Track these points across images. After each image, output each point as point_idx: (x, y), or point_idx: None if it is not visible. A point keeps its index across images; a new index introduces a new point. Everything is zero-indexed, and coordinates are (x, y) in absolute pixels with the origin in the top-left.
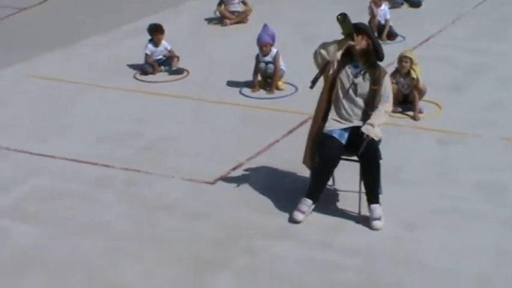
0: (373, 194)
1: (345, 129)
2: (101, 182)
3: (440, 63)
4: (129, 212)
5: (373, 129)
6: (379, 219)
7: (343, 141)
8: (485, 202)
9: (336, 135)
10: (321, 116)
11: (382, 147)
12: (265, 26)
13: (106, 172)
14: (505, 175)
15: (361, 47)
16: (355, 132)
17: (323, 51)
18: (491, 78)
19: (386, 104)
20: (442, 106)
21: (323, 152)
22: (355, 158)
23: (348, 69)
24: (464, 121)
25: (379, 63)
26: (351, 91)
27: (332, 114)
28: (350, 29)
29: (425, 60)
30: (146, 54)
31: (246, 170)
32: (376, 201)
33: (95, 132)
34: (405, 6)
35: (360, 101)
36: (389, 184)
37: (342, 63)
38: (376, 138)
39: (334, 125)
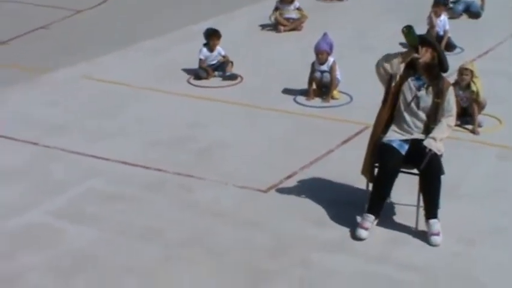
0: (432, 209)
1: (405, 141)
2: (154, 186)
3: (500, 76)
4: (182, 218)
5: (436, 143)
6: (437, 234)
7: (403, 152)
8: None
9: (395, 145)
10: (381, 127)
11: (443, 163)
12: (324, 34)
13: (159, 176)
14: None
15: (425, 60)
16: (415, 145)
17: (386, 64)
18: None
19: (449, 118)
20: (502, 121)
21: (383, 162)
22: (414, 170)
23: (411, 82)
24: None
25: (444, 74)
26: (413, 104)
27: (393, 126)
28: (415, 41)
29: (484, 73)
30: (200, 59)
31: (299, 179)
32: (435, 217)
33: (149, 135)
34: (464, 17)
35: (422, 115)
36: (447, 199)
37: (405, 76)
38: (438, 153)
39: (394, 136)
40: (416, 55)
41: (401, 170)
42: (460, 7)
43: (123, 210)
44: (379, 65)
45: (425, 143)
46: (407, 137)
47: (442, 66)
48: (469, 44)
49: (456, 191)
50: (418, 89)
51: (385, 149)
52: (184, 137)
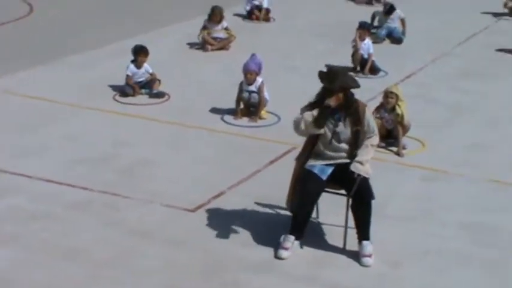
0: (364, 231)
1: (328, 165)
2: (79, 205)
3: (423, 100)
4: (108, 237)
5: (363, 166)
6: (369, 256)
7: (324, 177)
8: (470, 243)
9: (316, 170)
10: (304, 158)
11: None
12: (253, 55)
13: (84, 195)
14: (489, 217)
15: (335, 103)
16: (341, 169)
17: (302, 127)
18: (474, 118)
19: (372, 138)
20: (425, 143)
21: (302, 187)
22: (342, 191)
23: (329, 123)
24: (447, 160)
25: (356, 97)
26: (333, 141)
27: (316, 155)
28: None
29: (407, 97)
30: (127, 76)
31: (227, 199)
32: (367, 238)
33: (73, 153)
34: (387, 42)
35: (345, 146)
36: (374, 220)
37: (323, 116)
38: (367, 176)
39: (316, 162)
40: (329, 103)
41: (328, 190)
42: (383, 32)
43: (45, 229)
44: (295, 127)
45: (352, 168)
46: (332, 162)
47: (351, 93)
48: (393, 68)
49: (382, 212)
50: (336, 124)
51: (306, 174)
52: (110, 155)
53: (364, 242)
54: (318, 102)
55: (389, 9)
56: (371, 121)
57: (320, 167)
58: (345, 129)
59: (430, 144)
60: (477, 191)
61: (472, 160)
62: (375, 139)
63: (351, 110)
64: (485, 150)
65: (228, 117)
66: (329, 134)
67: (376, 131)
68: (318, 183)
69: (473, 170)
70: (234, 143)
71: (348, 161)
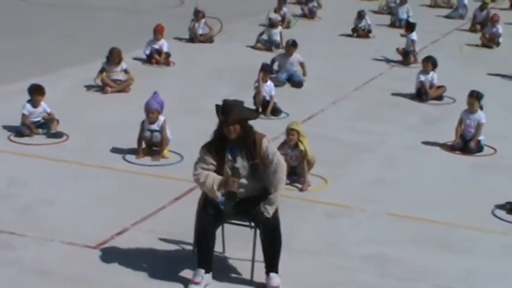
0: (273, 263)
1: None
2: None
3: (324, 140)
4: (3, 277)
5: (271, 207)
6: (278, 287)
7: (223, 207)
8: (377, 275)
9: (218, 200)
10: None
11: None
12: (155, 93)
13: None
14: (391, 248)
15: (235, 136)
16: (245, 202)
17: (204, 189)
18: (374, 156)
19: (278, 171)
20: (328, 180)
21: (201, 217)
22: (248, 223)
23: (227, 154)
24: (349, 196)
25: (254, 129)
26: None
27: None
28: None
29: (309, 136)
30: (23, 115)
31: (131, 235)
32: (275, 271)
33: None
34: (287, 85)
35: (244, 181)
36: (282, 253)
37: (220, 150)
38: (268, 216)
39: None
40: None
41: (234, 222)
42: (283, 76)
43: None
44: (197, 182)
45: (262, 209)
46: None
47: (249, 125)
48: (294, 109)
49: (288, 246)
50: (234, 159)
51: (207, 205)
52: (5, 194)
53: (272, 274)
54: (216, 138)
55: (293, 43)
56: (270, 151)
57: (222, 199)
58: (243, 164)
59: (333, 181)
60: (378, 225)
61: (373, 196)
62: (283, 166)
63: (248, 143)
64: (384, 186)
65: (129, 157)
66: (228, 171)
67: (281, 158)
68: (216, 214)
69: (374, 204)
70: (137, 181)
71: (249, 194)
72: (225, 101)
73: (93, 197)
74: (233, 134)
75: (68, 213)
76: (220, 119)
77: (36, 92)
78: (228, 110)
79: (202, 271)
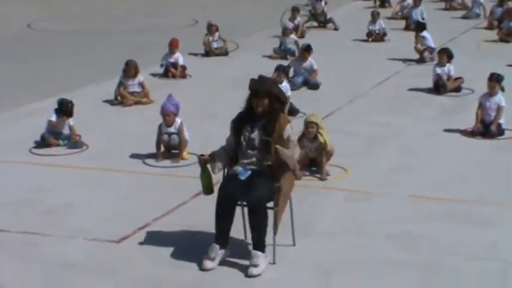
0: (257, 240)
1: (247, 169)
2: None
3: (342, 134)
4: (28, 272)
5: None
6: (255, 266)
7: (243, 177)
8: (399, 251)
9: (238, 171)
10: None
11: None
12: (169, 96)
13: (1, 236)
14: (413, 227)
15: (260, 110)
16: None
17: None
18: (393, 146)
19: (295, 149)
20: (348, 170)
21: (220, 187)
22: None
23: (247, 126)
24: (370, 182)
25: (283, 113)
26: (248, 149)
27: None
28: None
29: (328, 133)
30: (49, 121)
31: (153, 229)
32: (261, 249)
33: None
34: (304, 88)
35: (257, 153)
36: (301, 237)
37: (242, 122)
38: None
39: (235, 167)
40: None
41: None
42: (299, 79)
43: None
44: None
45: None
46: (249, 167)
47: (280, 101)
48: (311, 109)
49: (309, 230)
50: (252, 131)
51: (226, 177)
52: (28, 199)
53: (253, 252)
54: (244, 111)
55: (306, 48)
56: (289, 135)
57: (241, 170)
58: (258, 137)
59: (353, 170)
60: (401, 206)
61: (394, 181)
62: (297, 150)
63: (271, 120)
64: (405, 171)
65: (149, 160)
66: (244, 143)
67: (298, 146)
68: (235, 184)
69: (396, 188)
70: (157, 181)
71: (257, 169)
72: (260, 75)
73: (114, 198)
74: (260, 107)
75: (90, 213)
76: (252, 89)
77: (63, 112)
78: (261, 82)
79: (217, 247)
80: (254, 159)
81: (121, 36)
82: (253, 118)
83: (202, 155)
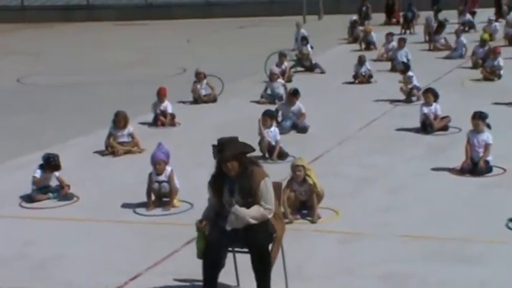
0: (260, 285)
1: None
2: None
3: (332, 176)
4: None
5: (242, 211)
6: None
7: (229, 228)
8: None
9: (218, 230)
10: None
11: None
12: (159, 144)
13: None
14: (405, 267)
15: (234, 172)
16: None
17: None
18: (382, 186)
19: (266, 210)
20: (338, 212)
21: (206, 237)
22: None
23: (225, 189)
24: (360, 223)
25: (257, 166)
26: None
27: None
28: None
29: (317, 175)
30: (34, 177)
31: (145, 279)
32: None
33: None
34: (293, 132)
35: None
36: (293, 281)
37: (220, 184)
38: (241, 215)
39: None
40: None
41: (236, 250)
42: (288, 124)
43: None
44: None
45: (232, 209)
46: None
47: (247, 159)
48: (300, 152)
49: (302, 274)
50: (232, 194)
51: (214, 227)
52: (17, 255)
53: None
54: (217, 173)
55: (294, 92)
56: (266, 193)
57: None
58: (239, 199)
59: (343, 212)
60: (392, 246)
61: (384, 221)
62: (268, 213)
63: (245, 180)
64: (395, 211)
65: (140, 210)
66: (226, 205)
67: (273, 207)
68: (223, 233)
69: (386, 228)
70: (149, 230)
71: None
72: (219, 140)
73: (105, 248)
74: (231, 171)
75: (82, 265)
76: (217, 158)
77: (48, 166)
78: (223, 148)
79: None
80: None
81: (110, 87)
82: (229, 179)
83: (200, 222)
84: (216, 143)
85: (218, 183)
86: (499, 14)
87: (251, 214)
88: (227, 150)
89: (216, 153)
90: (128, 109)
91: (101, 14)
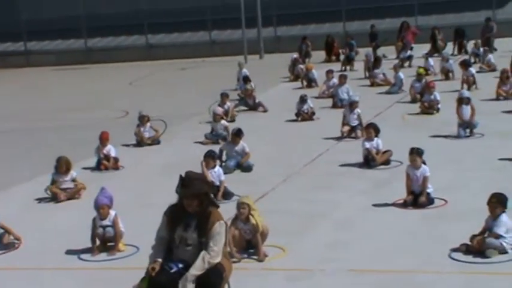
0: None
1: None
2: None
3: (277, 214)
4: None
5: (187, 282)
6: None
7: (175, 268)
8: None
9: (170, 266)
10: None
11: None
12: (102, 188)
13: None
14: None
15: (191, 210)
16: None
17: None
18: (328, 221)
19: (212, 256)
20: (285, 249)
21: (149, 281)
22: None
23: (181, 225)
24: (308, 259)
25: (216, 208)
26: (180, 245)
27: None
28: None
29: (263, 213)
30: None
31: None
32: None
33: None
34: (237, 171)
35: (191, 250)
36: None
37: (174, 221)
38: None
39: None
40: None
41: None
42: (232, 163)
43: None
44: None
45: (180, 282)
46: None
47: (209, 201)
48: (245, 191)
49: None
50: (186, 229)
51: (158, 270)
52: None
53: None
54: (177, 205)
55: (237, 132)
56: (217, 234)
57: (171, 264)
58: (192, 236)
59: (291, 249)
60: (340, 282)
61: (331, 256)
62: (214, 257)
63: (203, 219)
64: (341, 246)
65: (85, 255)
66: (177, 239)
67: (220, 251)
68: (166, 274)
69: (334, 264)
70: (94, 276)
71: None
72: (187, 174)
73: None
74: (190, 208)
75: None
76: (180, 192)
77: None
78: (188, 184)
79: None
80: (188, 254)
81: (51, 132)
82: (187, 214)
83: (153, 268)
84: (183, 174)
85: (175, 214)
86: (435, 49)
87: (198, 269)
88: (191, 187)
89: (179, 187)
90: (71, 154)
91: (40, 59)
